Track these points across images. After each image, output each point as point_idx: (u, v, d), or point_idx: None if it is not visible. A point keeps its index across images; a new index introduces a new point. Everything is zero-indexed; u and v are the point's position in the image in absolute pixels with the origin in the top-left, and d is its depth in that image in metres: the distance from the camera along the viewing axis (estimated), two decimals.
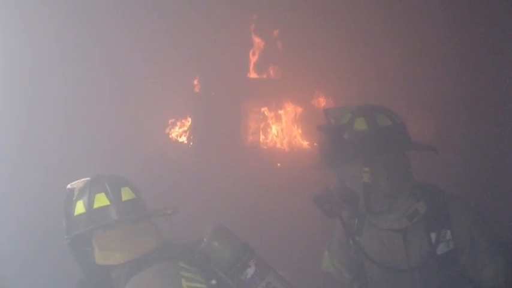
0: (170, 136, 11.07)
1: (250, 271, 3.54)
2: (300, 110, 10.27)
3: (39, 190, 9.20)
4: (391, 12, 8.86)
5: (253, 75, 10.58)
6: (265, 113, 10.64)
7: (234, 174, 9.65)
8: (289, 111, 10.40)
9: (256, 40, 10.48)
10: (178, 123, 11.12)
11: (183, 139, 11.02)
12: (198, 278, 3.37)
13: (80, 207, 3.51)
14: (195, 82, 10.83)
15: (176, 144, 10.96)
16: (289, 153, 10.25)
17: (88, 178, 3.64)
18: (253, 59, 10.54)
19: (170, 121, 11.12)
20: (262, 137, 10.65)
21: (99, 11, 10.24)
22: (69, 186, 3.64)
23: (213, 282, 3.43)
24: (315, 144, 8.72)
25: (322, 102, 9.98)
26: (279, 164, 10.05)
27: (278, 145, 10.49)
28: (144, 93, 10.53)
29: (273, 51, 10.37)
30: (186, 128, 11.06)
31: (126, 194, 3.55)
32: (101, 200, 3.49)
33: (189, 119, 11.02)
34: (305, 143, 10.29)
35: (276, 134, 10.55)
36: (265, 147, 10.56)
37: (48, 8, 10.16)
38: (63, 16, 10.26)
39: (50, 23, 10.21)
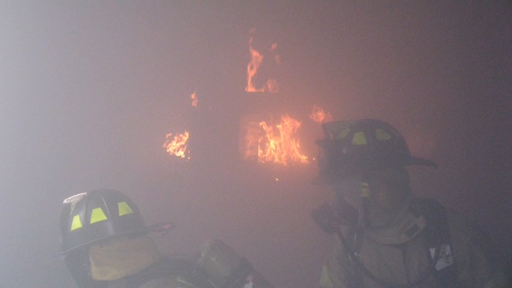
0: (167, 150, 11.06)
1: (248, 287, 3.52)
2: (298, 124, 10.27)
3: (36, 205, 9.18)
4: (391, 27, 8.88)
5: (251, 89, 10.57)
6: (263, 127, 10.63)
7: (231, 189, 9.63)
8: (288, 125, 10.39)
9: (254, 54, 10.48)
10: (175, 138, 11.11)
11: (181, 153, 11.01)
12: None
13: (76, 222, 3.49)
14: (193, 96, 10.83)
15: (173, 158, 10.94)
16: (288, 167, 10.23)
17: (85, 193, 3.62)
18: (251, 73, 10.54)
19: (167, 135, 11.11)
20: (260, 151, 10.63)
21: (96, 25, 10.26)
22: (65, 201, 3.63)
23: None
24: (314, 158, 8.74)
25: (320, 116, 9.98)
26: (277, 179, 10.02)
27: (276, 160, 10.48)
28: (141, 108, 10.53)
29: (271, 65, 10.37)
30: (183, 143, 11.05)
31: (123, 209, 3.54)
32: (98, 215, 3.47)
33: (187, 134, 11.02)
34: (303, 158, 10.28)
35: (274, 148, 10.54)
36: (263, 161, 10.54)
37: (47, 26, 10.20)
38: (61, 33, 10.28)
39: (48, 40, 10.23)
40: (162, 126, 11.04)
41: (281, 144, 10.48)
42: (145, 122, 10.60)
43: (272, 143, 10.56)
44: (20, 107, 10.14)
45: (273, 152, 10.55)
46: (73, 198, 3.61)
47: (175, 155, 11.02)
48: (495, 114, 8.03)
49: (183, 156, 10.97)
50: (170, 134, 11.14)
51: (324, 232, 3.67)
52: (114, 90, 10.36)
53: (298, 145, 10.36)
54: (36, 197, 9.36)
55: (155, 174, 10.25)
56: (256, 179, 9.90)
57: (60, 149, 10.08)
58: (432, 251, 3.51)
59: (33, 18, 10.17)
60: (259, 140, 10.69)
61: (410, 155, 3.63)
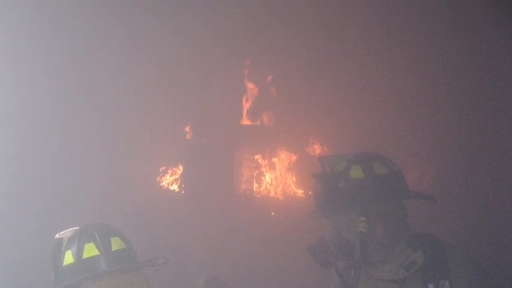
0: (161, 184, 11.01)
1: None
2: (294, 157, 10.25)
3: (28, 239, 9.12)
4: (388, 59, 8.91)
5: (246, 121, 10.57)
6: (259, 160, 10.61)
7: (226, 223, 9.58)
8: (283, 158, 10.37)
9: (250, 86, 10.50)
10: (169, 171, 11.07)
11: (175, 187, 10.97)
12: None
13: (68, 258, 3.44)
14: (187, 129, 10.82)
15: (167, 192, 10.90)
16: (283, 201, 10.19)
17: (77, 227, 3.58)
18: (247, 105, 10.55)
19: (161, 169, 11.08)
20: (255, 185, 10.60)
21: (88, 54, 10.29)
22: (57, 235, 3.58)
23: None
24: (310, 192, 8.69)
25: (317, 149, 9.97)
26: (272, 213, 9.98)
27: (272, 194, 10.44)
28: (134, 141, 10.51)
29: (266, 97, 10.39)
30: (177, 176, 11.01)
31: (116, 244, 3.49)
32: (90, 250, 3.42)
33: (181, 167, 10.99)
34: (299, 192, 10.25)
35: (269, 182, 10.51)
36: (259, 195, 10.50)
37: (38, 55, 10.21)
38: (53, 63, 10.29)
39: (40, 70, 10.23)
40: (156, 160, 11.01)
41: (277, 177, 10.45)
42: (138, 155, 10.58)
43: (268, 177, 10.53)
44: (11, 138, 10.11)
45: (268, 185, 10.51)
46: (65, 233, 3.57)
47: (169, 188, 10.98)
48: (494, 148, 8.03)
49: (177, 190, 10.93)
50: (164, 167, 11.11)
51: (320, 267, 3.62)
52: (107, 122, 10.37)
53: (294, 179, 10.33)
54: (27, 232, 9.30)
55: (148, 208, 10.20)
56: (252, 213, 9.86)
57: (51, 182, 10.04)
58: (431, 286, 3.46)
59: (24, 47, 10.20)
60: (255, 174, 10.66)
61: (408, 189, 3.59)
